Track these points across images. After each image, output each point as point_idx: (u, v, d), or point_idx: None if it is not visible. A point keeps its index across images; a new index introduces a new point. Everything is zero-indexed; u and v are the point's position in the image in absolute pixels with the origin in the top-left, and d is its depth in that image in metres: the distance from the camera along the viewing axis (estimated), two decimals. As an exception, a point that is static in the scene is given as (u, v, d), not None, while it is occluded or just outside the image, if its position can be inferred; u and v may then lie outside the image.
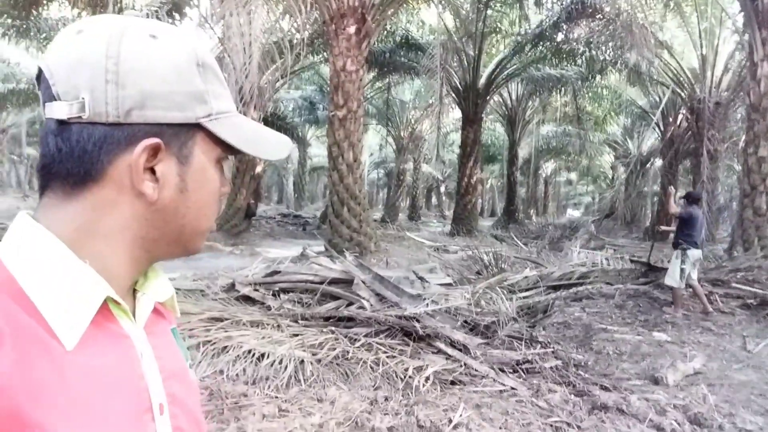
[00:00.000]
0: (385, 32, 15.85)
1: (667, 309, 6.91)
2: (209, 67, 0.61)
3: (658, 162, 22.98)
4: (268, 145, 0.65)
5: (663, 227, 7.29)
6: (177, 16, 14.24)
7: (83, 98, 0.53)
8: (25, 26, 14.19)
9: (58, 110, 0.54)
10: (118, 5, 12.19)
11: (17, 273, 0.52)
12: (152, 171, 0.57)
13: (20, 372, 0.47)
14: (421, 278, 6.08)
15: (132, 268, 0.60)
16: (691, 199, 7.25)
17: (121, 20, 0.57)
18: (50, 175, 0.56)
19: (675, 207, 7.39)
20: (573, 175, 46.80)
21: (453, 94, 18.42)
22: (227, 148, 0.62)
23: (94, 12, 12.78)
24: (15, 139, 32.62)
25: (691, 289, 6.97)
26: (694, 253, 6.80)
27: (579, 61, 16.66)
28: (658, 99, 18.78)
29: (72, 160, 0.55)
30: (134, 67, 0.55)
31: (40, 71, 0.56)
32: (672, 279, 6.83)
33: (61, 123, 0.55)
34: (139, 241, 0.59)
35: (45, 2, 13.26)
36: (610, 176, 34.94)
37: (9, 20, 14.12)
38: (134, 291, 0.64)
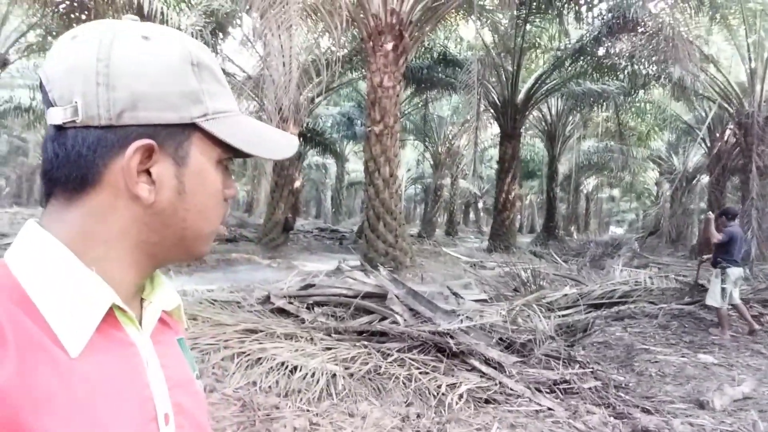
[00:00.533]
0: (423, 48, 15.93)
1: (714, 330, 6.63)
2: (205, 66, 0.59)
3: (705, 178, 22.26)
4: (270, 144, 0.63)
5: (705, 256, 6.93)
6: (220, 35, 14.68)
7: (76, 102, 0.53)
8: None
9: (54, 116, 0.54)
10: (165, 25, 12.66)
11: (23, 279, 0.53)
12: (149, 173, 0.56)
13: (23, 379, 0.47)
14: (455, 294, 6.01)
15: (135, 274, 0.60)
16: (728, 216, 7.05)
17: (115, 24, 0.57)
18: (52, 182, 0.57)
19: (717, 236, 6.87)
20: (616, 192, 45.77)
21: (491, 110, 18.34)
22: (228, 149, 0.61)
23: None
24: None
25: (735, 309, 6.67)
26: (735, 272, 6.58)
27: (621, 76, 16.36)
28: (704, 114, 18.25)
29: (69, 165, 0.55)
30: (125, 69, 0.54)
31: (41, 79, 0.57)
32: (713, 299, 6.59)
33: (59, 128, 0.55)
34: (141, 245, 0.58)
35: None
36: (655, 193, 33.97)
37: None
38: (141, 299, 0.64)
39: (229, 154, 0.62)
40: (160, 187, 0.57)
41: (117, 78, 0.54)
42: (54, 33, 14.55)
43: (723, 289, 6.51)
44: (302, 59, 11.99)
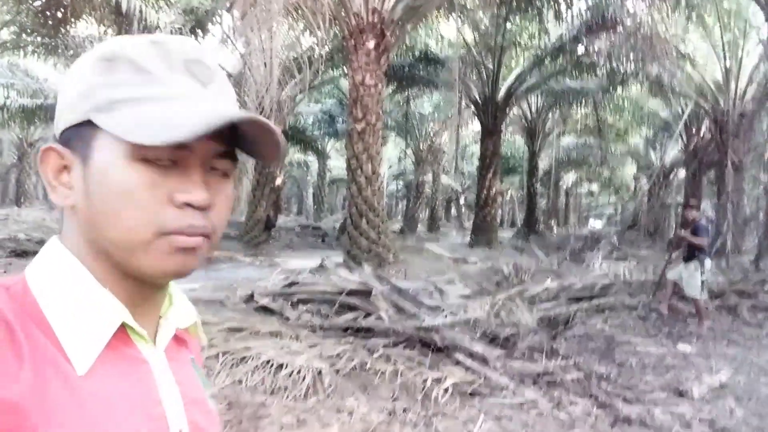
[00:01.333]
0: (405, 47, 15.95)
1: (691, 321, 6.79)
2: (122, 60, 0.55)
3: (682, 173, 22.66)
4: (163, 125, 0.50)
5: (683, 233, 7.03)
6: (200, 32, 14.54)
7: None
8: (53, 44, 14.60)
9: None
10: (143, 23, 12.51)
11: (38, 295, 0.53)
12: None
13: (37, 394, 0.48)
14: (439, 290, 6.05)
15: (120, 288, 0.56)
16: (694, 207, 7.30)
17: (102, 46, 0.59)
18: None
19: (702, 239, 6.85)
20: (594, 187, 46.28)
21: (472, 107, 18.43)
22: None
23: (120, 30, 13.10)
24: (42, 154, 33.31)
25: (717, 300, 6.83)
26: (709, 262, 6.79)
27: (599, 73, 16.55)
28: (680, 110, 18.55)
29: None
30: (63, 86, 0.58)
31: None
32: (694, 290, 6.73)
33: None
34: (93, 255, 0.56)
35: (73, 21, 13.63)
36: (633, 187, 34.50)
37: (38, 38, 14.54)
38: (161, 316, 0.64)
39: (153, 150, 0.52)
40: (75, 191, 0.55)
41: (60, 96, 0.58)
42: (28, 30, 14.27)
43: (702, 281, 6.65)
44: (283, 57, 11.93)
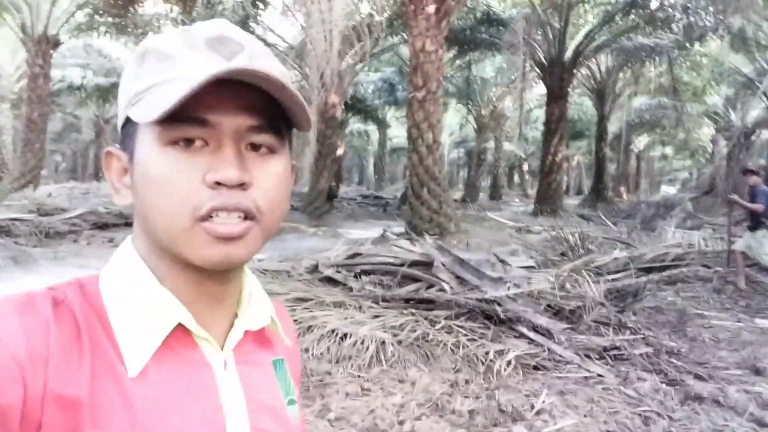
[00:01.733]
0: (466, 9, 15.51)
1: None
2: (151, 51, 0.54)
3: (765, 134, 21.13)
4: (158, 100, 0.50)
5: (734, 196, 6.69)
6: (261, 5, 14.69)
7: None
8: (123, 23, 15.16)
9: None
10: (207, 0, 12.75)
11: (105, 295, 0.54)
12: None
13: (92, 392, 0.49)
14: (502, 261, 5.99)
15: (183, 286, 0.56)
16: (753, 173, 6.95)
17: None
18: None
19: (758, 206, 6.58)
20: (668, 150, 44.01)
21: (537, 69, 17.82)
22: (171, 123, 0.51)
23: (185, 7, 13.42)
24: (117, 130, 35.02)
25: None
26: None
27: (675, 29, 15.55)
28: (765, 66, 17.21)
29: None
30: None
31: None
32: (767, 259, 6.56)
33: None
34: (154, 252, 0.56)
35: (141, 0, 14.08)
36: (710, 150, 32.52)
37: (109, 18, 15.13)
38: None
39: (178, 130, 0.51)
40: (131, 188, 0.56)
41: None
42: (100, 11, 14.86)
43: (750, 245, 6.53)
44: (342, 26, 11.88)
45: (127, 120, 0.55)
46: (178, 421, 0.52)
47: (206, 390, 0.55)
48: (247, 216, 0.52)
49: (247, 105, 0.52)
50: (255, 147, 0.54)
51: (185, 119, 0.50)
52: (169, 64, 0.52)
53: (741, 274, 6.75)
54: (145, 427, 0.50)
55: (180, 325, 0.54)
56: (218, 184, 0.51)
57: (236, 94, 0.51)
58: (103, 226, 10.70)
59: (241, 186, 0.52)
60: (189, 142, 0.51)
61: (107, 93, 19.45)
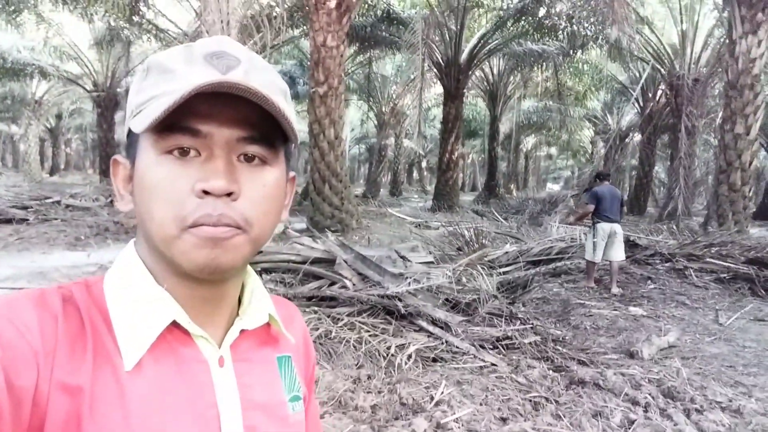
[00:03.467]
0: (366, 6, 15.61)
1: (582, 281, 7.12)
2: (154, 66, 0.57)
3: (637, 137, 23.21)
4: (152, 112, 0.53)
5: (571, 220, 7.52)
6: (152, -12, 13.87)
7: None
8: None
9: None
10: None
11: (107, 294, 0.58)
12: None
13: (93, 383, 0.52)
14: (402, 257, 6.12)
15: (175, 286, 0.58)
16: (600, 177, 7.51)
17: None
18: None
19: (585, 207, 7.38)
20: (553, 150, 47.09)
21: (435, 69, 18.28)
22: (161, 131, 0.54)
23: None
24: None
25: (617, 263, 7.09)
26: (605, 227, 6.96)
27: (560, 36, 16.61)
28: (638, 74, 18.89)
29: None
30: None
31: None
32: (587, 253, 7.14)
33: None
34: (152, 255, 0.59)
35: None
36: (590, 151, 35.19)
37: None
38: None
39: (172, 140, 0.54)
40: (132, 195, 0.59)
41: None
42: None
43: (594, 243, 6.99)
44: (240, 15, 11.51)
45: (131, 130, 0.57)
46: (171, 415, 0.54)
47: (201, 386, 0.58)
48: (231, 225, 0.55)
49: (240, 117, 0.54)
50: (249, 158, 0.56)
51: (178, 129, 0.53)
52: (168, 78, 0.55)
53: (591, 276, 7.23)
54: (138, 419, 0.52)
55: (177, 323, 0.57)
56: (206, 193, 0.53)
57: (230, 106, 0.54)
58: (7, 221, 9.77)
59: (229, 196, 0.54)
60: (184, 152, 0.54)
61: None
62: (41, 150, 33.68)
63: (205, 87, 0.51)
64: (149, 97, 0.55)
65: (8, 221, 10.18)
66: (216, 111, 0.54)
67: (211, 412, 0.57)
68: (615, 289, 6.86)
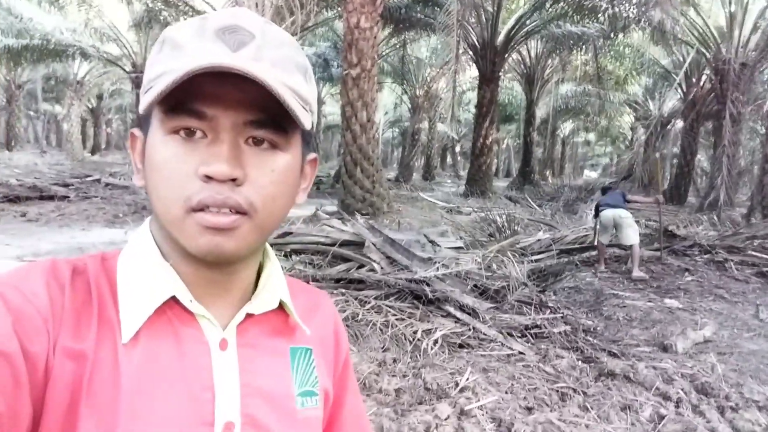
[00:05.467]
0: (401, -14, 15.43)
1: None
2: (168, 40, 0.55)
3: (679, 124, 22.47)
4: (164, 80, 0.51)
5: (660, 197, 7.67)
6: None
7: None
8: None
9: None
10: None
11: (119, 268, 0.59)
12: None
13: (95, 350, 0.53)
14: (432, 242, 6.07)
15: (183, 266, 0.58)
16: (603, 191, 8.31)
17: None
18: None
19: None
20: (591, 136, 46.01)
21: (470, 52, 18.00)
22: (168, 111, 0.53)
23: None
24: (31, 95, 32.76)
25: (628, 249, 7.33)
26: (606, 213, 7.28)
27: (601, 18, 16.10)
28: (681, 59, 18.20)
29: None
30: None
31: None
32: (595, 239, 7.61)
33: None
34: (161, 232, 0.59)
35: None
36: (630, 137, 34.29)
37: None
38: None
39: (178, 120, 0.53)
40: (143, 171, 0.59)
41: None
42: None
43: (596, 230, 7.59)
44: (275, -3, 11.51)
45: None
46: (162, 393, 0.53)
47: (198, 367, 0.56)
48: (238, 211, 0.53)
49: (248, 99, 0.52)
50: (258, 142, 0.55)
51: (184, 110, 0.52)
52: (178, 54, 0.53)
53: (600, 259, 7.49)
54: (127, 393, 0.52)
55: (181, 301, 0.57)
56: (209, 178, 0.52)
57: (238, 87, 0.51)
58: (14, 200, 10.02)
59: (234, 181, 0.52)
60: (191, 132, 0.53)
61: (18, 56, 18.02)
62: (83, 130, 34.60)
63: (200, 70, 0.49)
64: (159, 73, 0.53)
65: (50, 198, 10.51)
66: (223, 92, 0.52)
67: (205, 394, 0.55)
68: (636, 273, 6.82)
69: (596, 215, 7.68)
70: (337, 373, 0.72)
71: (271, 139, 0.55)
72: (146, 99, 0.52)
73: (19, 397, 0.48)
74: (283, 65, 0.54)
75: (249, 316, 0.61)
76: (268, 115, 0.54)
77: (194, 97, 0.51)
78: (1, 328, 0.48)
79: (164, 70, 0.52)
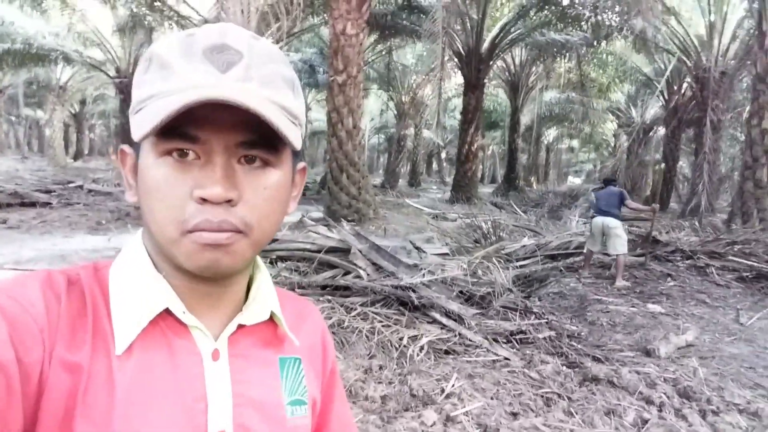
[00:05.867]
0: (387, -6, 15.51)
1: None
2: (155, 58, 0.55)
3: (661, 131, 22.78)
4: (152, 120, 0.51)
5: (655, 205, 7.73)
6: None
7: None
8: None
9: None
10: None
11: (111, 279, 0.59)
12: None
13: (90, 361, 0.53)
14: (418, 248, 6.09)
15: (176, 279, 0.59)
16: (605, 182, 7.87)
17: None
18: None
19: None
20: (575, 143, 46.45)
21: (455, 59, 18.13)
22: (165, 136, 0.53)
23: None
24: (12, 100, 32.35)
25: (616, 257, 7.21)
26: (596, 221, 7.28)
27: (584, 27, 16.32)
28: (663, 67, 18.49)
29: None
30: None
31: None
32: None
33: None
34: (153, 247, 0.59)
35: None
36: (613, 144, 34.68)
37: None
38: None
39: (171, 143, 0.53)
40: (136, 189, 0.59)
41: None
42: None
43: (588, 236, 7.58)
44: (261, 2, 11.51)
45: None
46: (156, 404, 0.54)
47: (191, 377, 0.57)
48: (231, 230, 0.54)
49: (240, 121, 0.52)
50: (250, 159, 0.55)
51: (177, 134, 0.52)
52: (167, 74, 0.53)
53: (585, 264, 7.54)
54: (121, 404, 0.52)
55: (173, 312, 0.57)
56: (204, 200, 0.52)
57: (228, 111, 0.51)
58: (31, 205, 9.94)
59: (228, 202, 0.53)
60: (183, 153, 0.53)
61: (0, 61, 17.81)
62: (66, 135, 34.19)
63: (195, 103, 0.49)
64: (148, 94, 0.53)
65: (32, 204, 10.37)
66: (214, 116, 0.52)
67: (199, 405, 0.56)
68: (619, 283, 6.83)
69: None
70: (325, 381, 0.73)
71: (263, 157, 0.56)
72: (140, 127, 0.52)
73: (11, 407, 0.47)
74: (271, 82, 0.55)
75: (240, 326, 0.62)
76: (259, 136, 0.54)
77: (186, 122, 0.51)
78: None
79: (154, 92, 0.53)
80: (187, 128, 0.52)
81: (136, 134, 0.52)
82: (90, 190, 12.45)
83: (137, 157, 0.57)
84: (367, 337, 4.07)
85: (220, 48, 0.54)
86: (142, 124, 0.51)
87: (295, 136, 0.55)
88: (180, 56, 0.53)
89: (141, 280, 0.58)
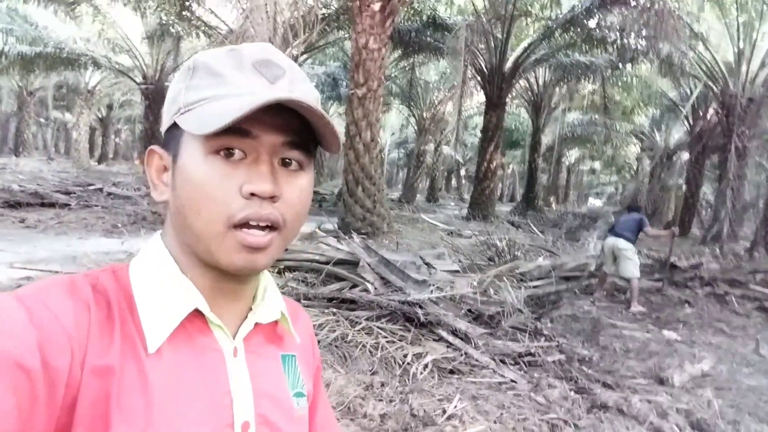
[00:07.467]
0: (412, 11, 15.56)
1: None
2: (201, 66, 0.60)
3: (685, 156, 22.44)
4: (221, 116, 0.55)
5: (675, 228, 7.59)
6: (202, -15, 14.16)
7: None
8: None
9: None
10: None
11: (133, 281, 0.61)
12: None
13: (120, 364, 0.54)
14: (427, 264, 6.00)
15: (202, 279, 0.62)
16: (629, 209, 7.77)
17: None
18: None
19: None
20: (597, 165, 45.98)
21: (478, 77, 18.10)
22: (215, 137, 0.56)
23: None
24: (42, 102, 33.10)
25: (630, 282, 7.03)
26: (607, 241, 7.26)
27: (610, 49, 16.20)
28: (689, 92, 18.24)
29: None
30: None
31: None
32: None
33: None
34: (180, 247, 0.62)
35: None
36: (635, 168, 34.25)
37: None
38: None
39: (222, 140, 0.57)
40: (169, 187, 0.62)
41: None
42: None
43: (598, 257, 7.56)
44: (287, 15, 11.64)
45: (173, 124, 0.60)
46: (188, 401, 0.57)
47: (216, 374, 0.60)
48: (274, 226, 0.59)
49: (283, 123, 0.58)
50: (286, 163, 0.60)
51: (231, 129, 0.55)
52: (219, 81, 0.59)
53: (599, 286, 7.44)
54: (158, 404, 0.54)
55: (196, 311, 0.60)
56: (253, 195, 0.57)
57: (274, 112, 0.57)
58: (15, 205, 10.01)
59: (272, 198, 0.58)
60: (229, 153, 0.57)
61: (31, 63, 18.20)
62: (91, 138, 34.86)
63: (273, 102, 0.55)
64: (200, 98, 0.58)
65: (51, 205, 10.50)
66: (264, 117, 0.57)
67: (225, 399, 0.60)
68: (634, 308, 6.68)
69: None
70: (314, 375, 0.78)
71: (299, 160, 0.61)
72: (204, 125, 0.55)
73: (36, 414, 0.49)
74: (310, 97, 0.62)
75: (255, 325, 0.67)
76: (300, 138, 0.60)
77: (241, 119, 0.55)
78: (26, 343, 0.49)
79: (207, 95, 0.58)
80: (241, 124, 0.56)
81: (199, 129, 0.55)
82: (109, 193, 12.58)
83: (174, 157, 0.60)
84: (370, 352, 3.99)
85: (267, 63, 0.60)
86: (203, 120, 0.56)
87: (339, 144, 0.62)
88: (232, 67, 0.59)
89: (166, 281, 0.60)
